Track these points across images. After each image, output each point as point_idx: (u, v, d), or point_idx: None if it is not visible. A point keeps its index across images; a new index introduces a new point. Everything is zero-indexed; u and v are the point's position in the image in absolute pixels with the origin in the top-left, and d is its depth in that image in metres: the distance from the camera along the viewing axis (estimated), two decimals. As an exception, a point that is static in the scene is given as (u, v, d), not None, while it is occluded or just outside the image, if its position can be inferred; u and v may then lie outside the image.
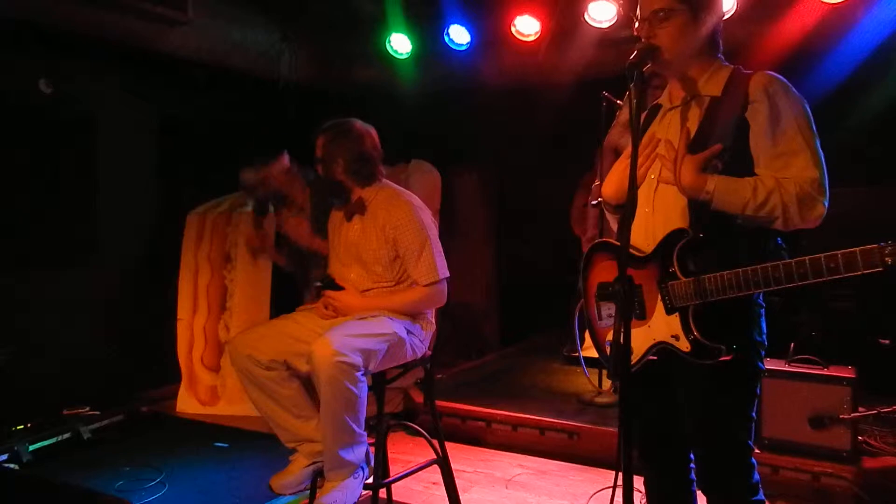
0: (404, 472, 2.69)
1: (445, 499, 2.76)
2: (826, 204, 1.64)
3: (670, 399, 1.83)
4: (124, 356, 4.37)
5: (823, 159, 1.67)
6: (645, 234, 1.78)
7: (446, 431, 3.18)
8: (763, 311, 1.76)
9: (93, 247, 4.30)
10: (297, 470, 2.55)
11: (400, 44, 4.71)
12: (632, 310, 1.74)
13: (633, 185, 1.65)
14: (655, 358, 1.76)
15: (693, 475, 1.93)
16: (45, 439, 3.47)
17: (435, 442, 2.71)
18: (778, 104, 1.68)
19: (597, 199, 3.93)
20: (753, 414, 1.76)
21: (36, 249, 3.99)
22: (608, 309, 1.88)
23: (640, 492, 2.94)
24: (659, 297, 1.72)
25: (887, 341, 3.44)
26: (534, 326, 5.76)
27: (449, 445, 2.80)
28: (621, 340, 1.56)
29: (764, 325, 1.76)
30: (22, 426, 3.53)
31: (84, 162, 4.25)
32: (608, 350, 1.88)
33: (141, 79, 4.46)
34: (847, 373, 2.98)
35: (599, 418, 3.60)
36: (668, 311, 1.70)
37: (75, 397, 3.97)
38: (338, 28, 4.92)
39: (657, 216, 1.76)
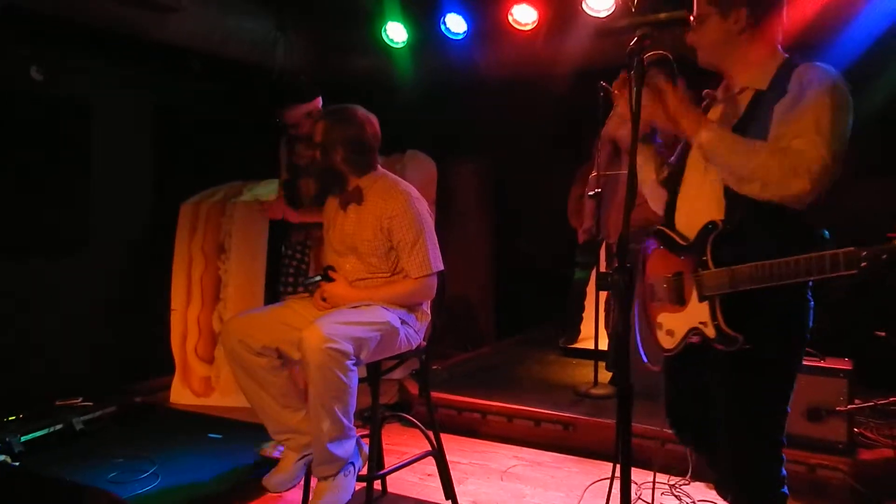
0: (399, 464, 2.68)
1: (440, 490, 2.75)
2: (811, 188, 1.59)
3: (705, 383, 1.88)
4: (118, 347, 4.35)
5: (835, 148, 1.61)
6: (688, 223, 1.84)
7: (442, 423, 3.17)
8: (811, 305, 1.77)
9: (86, 237, 4.27)
10: (289, 465, 2.53)
11: (396, 33, 4.67)
12: (632, 300, 1.73)
13: (633, 174, 1.65)
14: (698, 341, 1.80)
15: None
16: (37, 430, 3.43)
17: (430, 433, 2.70)
18: (804, 89, 1.67)
19: (593, 191, 3.91)
20: (788, 409, 1.78)
21: (29, 239, 3.96)
22: (660, 291, 1.93)
23: (636, 483, 2.95)
24: (694, 284, 1.78)
25: (884, 333, 3.43)
26: (530, 318, 5.75)
27: (444, 437, 2.79)
28: (620, 331, 1.54)
29: (809, 321, 1.76)
30: (14, 417, 3.51)
31: (78, 150, 4.21)
32: (659, 332, 1.95)
33: (135, 67, 4.42)
34: (844, 365, 2.98)
35: (594, 410, 3.60)
36: (700, 299, 1.76)
37: (68, 388, 3.94)
38: (333, 16, 4.87)
39: (700, 210, 1.80)
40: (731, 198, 1.73)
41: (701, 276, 1.75)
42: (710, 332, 1.72)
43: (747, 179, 1.66)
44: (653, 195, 2.06)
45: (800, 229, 1.68)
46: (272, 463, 2.80)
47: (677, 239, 1.86)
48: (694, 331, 1.79)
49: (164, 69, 4.48)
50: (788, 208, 1.63)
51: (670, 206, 1.94)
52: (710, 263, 1.72)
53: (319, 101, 3.38)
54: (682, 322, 1.82)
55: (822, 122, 1.62)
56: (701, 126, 1.73)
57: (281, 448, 3.29)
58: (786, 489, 1.78)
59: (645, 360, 2.11)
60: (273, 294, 3.55)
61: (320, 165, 2.65)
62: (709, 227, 1.74)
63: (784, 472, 1.78)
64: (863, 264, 1.46)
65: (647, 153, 2.04)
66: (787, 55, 1.81)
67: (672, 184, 1.94)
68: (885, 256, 1.44)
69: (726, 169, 1.71)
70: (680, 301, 1.83)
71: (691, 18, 1.82)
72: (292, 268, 3.48)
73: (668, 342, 1.90)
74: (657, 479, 3.04)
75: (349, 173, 2.64)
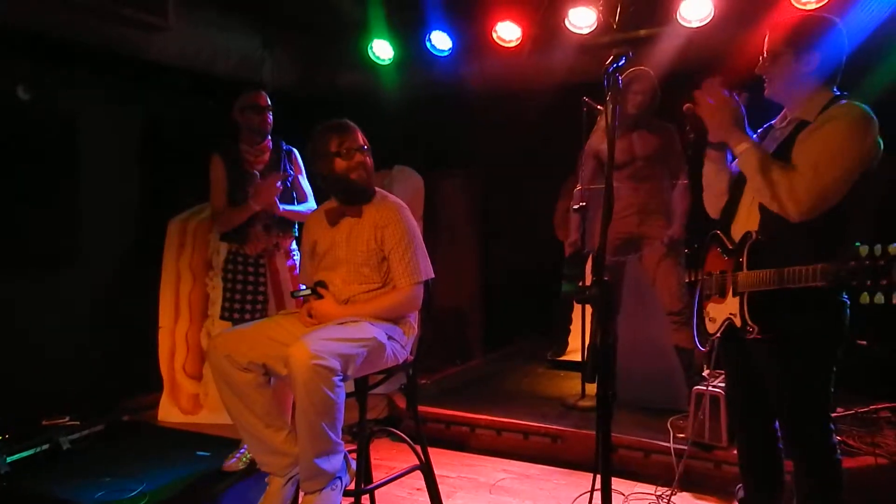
0: (387, 479, 2.68)
1: (429, 504, 2.75)
2: (803, 210, 1.91)
3: (750, 368, 2.20)
4: (105, 365, 4.33)
5: (831, 179, 1.88)
6: (741, 230, 2.14)
7: (431, 437, 3.18)
8: (840, 300, 2.01)
9: (74, 253, 4.25)
10: (277, 491, 2.51)
11: (382, 50, 4.72)
12: (611, 313, 1.80)
13: (610, 187, 1.69)
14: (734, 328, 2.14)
15: (780, 443, 2.29)
16: (24, 450, 3.40)
17: (418, 447, 2.70)
18: (825, 122, 1.94)
19: (578, 205, 3.95)
20: (832, 389, 2.06)
21: (15, 255, 3.94)
22: (707, 288, 2.31)
23: (623, 494, 2.97)
24: (731, 281, 2.13)
25: (864, 342, 3.48)
26: (518, 331, 5.77)
27: (433, 451, 2.80)
28: (599, 344, 1.58)
29: (839, 314, 2.01)
30: (0, 437, 3.48)
31: (65, 168, 4.21)
32: (706, 319, 2.30)
33: (123, 85, 4.43)
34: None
35: (582, 422, 3.62)
36: (734, 294, 2.13)
37: (55, 407, 3.92)
38: (319, 34, 4.92)
39: (750, 223, 2.11)
40: (765, 213, 2.02)
41: (737, 276, 2.09)
42: (737, 321, 2.09)
43: (760, 190, 1.98)
44: (717, 202, 2.30)
45: (824, 241, 1.92)
46: (236, 476, 3.14)
47: (727, 243, 2.20)
48: (727, 320, 2.15)
49: (152, 86, 4.50)
50: (810, 223, 1.92)
51: (728, 213, 2.22)
52: (745, 266, 2.05)
53: None
54: (721, 312, 2.20)
55: (824, 156, 1.88)
56: (741, 140, 2.04)
57: (239, 454, 3.37)
58: (839, 455, 2.08)
59: (698, 344, 2.53)
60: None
61: (368, 168, 2.66)
62: (747, 236, 2.08)
63: (835, 439, 2.08)
64: (829, 278, 1.78)
65: (721, 163, 2.23)
66: (837, 93, 2.03)
67: (733, 194, 2.21)
68: (843, 273, 1.74)
69: (751, 180, 2.01)
70: (722, 294, 2.20)
71: (765, 52, 2.08)
72: (240, 291, 3.33)
73: (711, 328, 2.27)
74: (644, 490, 3.07)
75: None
